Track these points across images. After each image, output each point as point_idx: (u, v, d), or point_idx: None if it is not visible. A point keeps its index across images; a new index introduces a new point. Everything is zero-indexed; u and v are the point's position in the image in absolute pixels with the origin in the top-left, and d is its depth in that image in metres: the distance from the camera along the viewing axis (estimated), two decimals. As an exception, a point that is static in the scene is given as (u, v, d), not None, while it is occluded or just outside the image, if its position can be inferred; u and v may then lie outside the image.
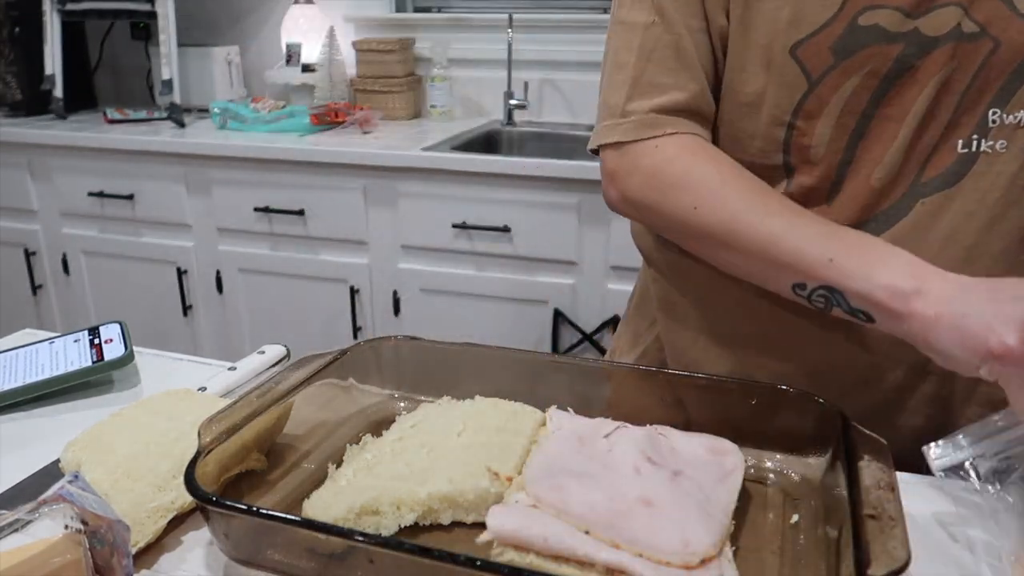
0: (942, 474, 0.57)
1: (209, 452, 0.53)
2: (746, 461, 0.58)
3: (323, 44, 2.30)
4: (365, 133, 2.06)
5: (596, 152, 0.73)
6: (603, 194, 0.73)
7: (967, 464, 0.56)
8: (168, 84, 2.23)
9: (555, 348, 1.85)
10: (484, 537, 0.50)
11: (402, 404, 0.71)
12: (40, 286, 2.35)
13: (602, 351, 1.81)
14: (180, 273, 2.15)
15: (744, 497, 0.56)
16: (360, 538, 0.46)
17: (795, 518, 0.56)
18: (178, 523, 0.56)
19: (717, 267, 0.69)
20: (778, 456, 0.61)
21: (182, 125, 2.20)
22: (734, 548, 0.51)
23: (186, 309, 2.19)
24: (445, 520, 0.55)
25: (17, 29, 2.33)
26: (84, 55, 2.63)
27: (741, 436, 0.60)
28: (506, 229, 1.78)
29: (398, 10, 2.41)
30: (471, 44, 2.29)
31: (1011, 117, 0.63)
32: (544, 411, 0.64)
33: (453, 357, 0.72)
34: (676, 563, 0.47)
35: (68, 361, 0.78)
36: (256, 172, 1.99)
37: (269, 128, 2.10)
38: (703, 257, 0.70)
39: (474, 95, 2.34)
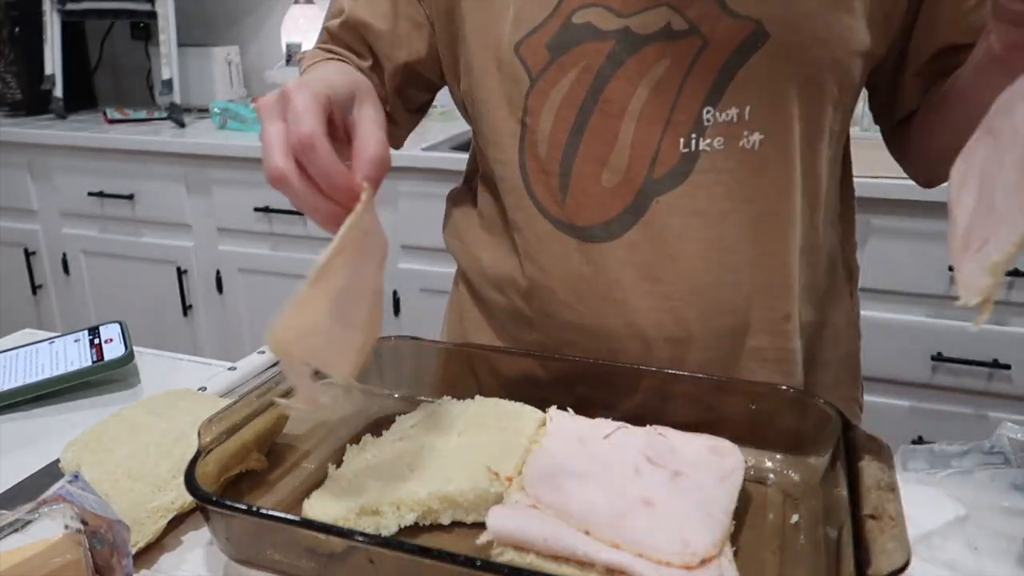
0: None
1: (209, 452, 0.53)
2: (746, 461, 0.58)
3: (323, 44, 2.30)
4: (365, 133, 2.06)
5: None
6: None
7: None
8: (168, 84, 2.23)
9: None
10: (484, 537, 0.50)
11: (402, 404, 0.71)
12: (40, 286, 2.35)
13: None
14: (180, 273, 2.15)
15: (744, 497, 0.56)
16: (360, 538, 0.46)
17: (795, 518, 0.56)
18: (178, 523, 0.56)
19: None
20: (778, 456, 0.61)
21: (182, 125, 2.20)
22: (734, 548, 0.51)
23: (186, 309, 2.19)
24: (445, 520, 0.55)
25: (17, 29, 2.33)
26: (84, 55, 2.63)
27: (741, 436, 0.60)
28: (506, 229, 1.78)
29: (398, 10, 2.41)
30: (471, 44, 2.29)
31: (723, 115, 0.64)
32: (544, 411, 0.64)
33: (453, 357, 0.72)
34: (676, 563, 0.47)
35: (68, 361, 0.78)
36: (256, 172, 1.99)
37: (269, 128, 2.10)
38: None
39: (474, 95, 2.33)
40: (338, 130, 0.57)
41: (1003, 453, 0.59)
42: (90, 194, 2.16)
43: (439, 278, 1.90)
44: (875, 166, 1.26)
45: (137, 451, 0.60)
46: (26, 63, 2.35)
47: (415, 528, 0.55)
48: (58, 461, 0.62)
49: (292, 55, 2.34)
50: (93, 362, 0.78)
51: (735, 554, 0.50)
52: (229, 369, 0.79)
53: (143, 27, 2.54)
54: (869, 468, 0.51)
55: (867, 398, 0.85)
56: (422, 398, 0.71)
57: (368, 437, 0.64)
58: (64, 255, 2.28)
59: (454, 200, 0.87)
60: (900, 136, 0.76)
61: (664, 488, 0.54)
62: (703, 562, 0.47)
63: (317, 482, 0.58)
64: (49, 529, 0.43)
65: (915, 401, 1.62)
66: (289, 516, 0.49)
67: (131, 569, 0.45)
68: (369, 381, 0.71)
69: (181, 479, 0.53)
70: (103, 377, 0.79)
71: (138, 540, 0.52)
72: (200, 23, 2.52)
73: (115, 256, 2.22)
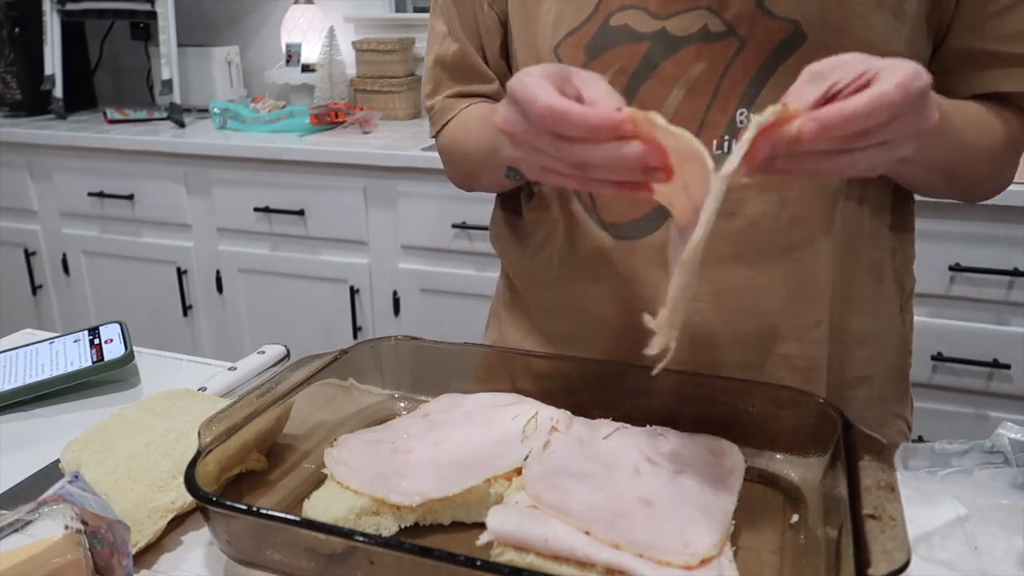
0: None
1: (209, 452, 0.53)
2: (746, 461, 0.58)
3: (323, 44, 2.30)
4: (365, 133, 2.06)
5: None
6: None
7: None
8: (168, 84, 2.23)
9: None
10: (484, 538, 0.50)
11: (402, 404, 0.71)
12: (40, 286, 2.35)
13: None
14: (180, 273, 2.15)
15: (744, 497, 0.56)
16: (360, 538, 0.46)
17: (795, 518, 0.56)
18: (178, 523, 0.56)
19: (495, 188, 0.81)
20: (778, 456, 0.61)
21: (182, 125, 2.20)
22: (734, 548, 0.51)
23: (186, 309, 2.19)
24: (445, 520, 0.55)
25: (17, 29, 2.33)
26: (84, 55, 2.63)
27: (741, 436, 0.60)
28: (506, 229, 1.78)
29: (398, 10, 2.41)
30: (471, 44, 2.29)
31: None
32: (547, 411, 0.64)
33: (453, 357, 0.72)
34: (676, 563, 0.47)
35: (68, 361, 0.78)
36: (256, 172, 1.99)
37: (269, 128, 2.10)
38: (488, 183, 0.80)
39: (474, 95, 2.33)
40: None
41: (1003, 452, 0.59)
42: (90, 194, 2.16)
43: (439, 278, 1.90)
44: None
45: (137, 451, 0.60)
46: (26, 63, 2.35)
47: (415, 528, 0.55)
48: (58, 461, 0.62)
49: (292, 55, 2.34)
50: (93, 362, 0.78)
51: (735, 554, 0.50)
52: (229, 369, 0.79)
53: (143, 27, 2.54)
54: (869, 468, 0.51)
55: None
56: (422, 398, 0.71)
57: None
58: (64, 255, 2.28)
59: (501, 201, 0.86)
60: None
61: (664, 488, 0.54)
62: (703, 562, 0.47)
63: (317, 482, 0.58)
64: (49, 529, 0.43)
65: (915, 400, 1.62)
66: (289, 516, 0.49)
67: (131, 569, 0.45)
68: (369, 381, 0.71)
69: (181, 479, 0.53)
70: (103, 377, 0.78)
71: (138, 540, 0.52)
72: (200, 23, 2.52)
73: (115, 256, 2.22)
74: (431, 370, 0.72)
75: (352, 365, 0.69)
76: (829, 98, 0.48)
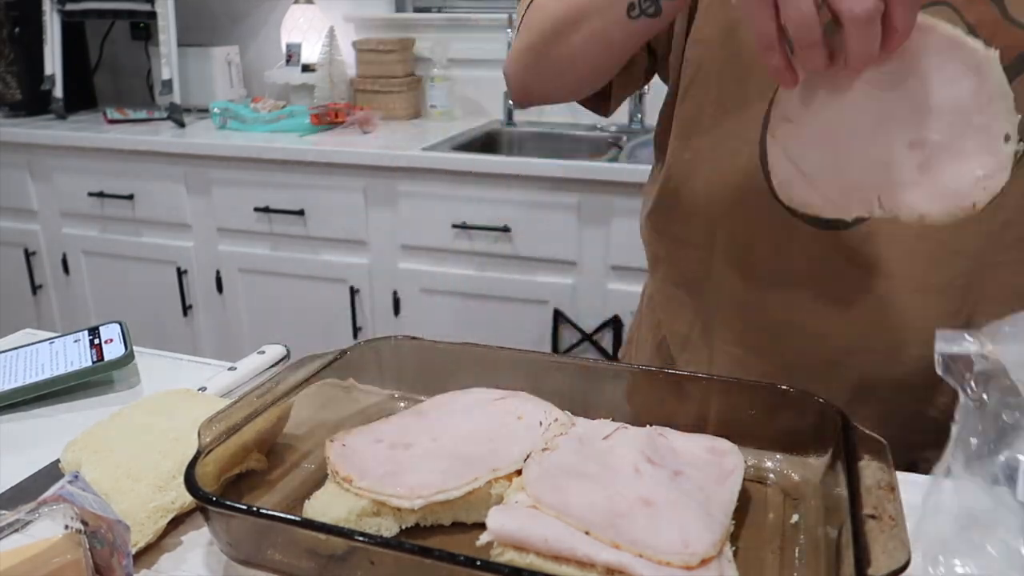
0: (941, 363, 0.54)
1: (209, 452, 0.53)
2: (746, 461, 0.58)
3: (323, 44, 2.30)
4: (365, 133, 2.06)
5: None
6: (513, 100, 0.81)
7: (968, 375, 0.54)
8: (168, 84, 2.23)
9: (555, 348, 1.85)
10: (484, 538, 0.50)
11: (402, 404, 0.71)
12: (40, 286, 2.35)
13: (602, 351, 1.81)
14: (180, 273, 2.15)
15: (744, 497, 0.56)
16: (361, 539, 0.46)
17: (795, 518, 0.56)
18: (178, 523, 0.56)
19: (589, 62, 0.71)
20: (778, 456, 0.61)
21: (182, 125, 2.20)
22: (734, 548, 0.51)
23: (186, 309, 2.19)
24: (446, 521, 0.55)
25: (17, 29, 2.33)
26: (84, 55, 2.63)
27: (741, 436, 0.60)
28: (506, 229, 1.78)
29: (398, 10, 2.41)
30: (471, 44, 2.29)
31: None
32: (547, 410, 0.64)
33: (453, 357, 0.72)
34: (676, 563, 0.47)
35: (68, 361, 0.78)
36: (256, 172, 1.99)
37: (269, 128, 2.10)
38: (592, 50, 0.70)
39: (474, 95, 2.34)
40: None
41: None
42: (90, 194, 2.16)
43: (439, 278, 1.90)
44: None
45: (137, 451, 0.60)
46: (26, 63, 2.35)
47: (416, 528, 0.55)
48: (58, 461, 0.62)
49: (292, 55, 2.34)
50: (93, 362, 0.78)
51: (735, 554, 0.50)
52: (229, 369, 0.78)
53: (143, 27, 2.54)
54: (869, 468, 0.51)
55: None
56: (422, 398, 0.71)
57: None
58: (64, 255, 2.28)
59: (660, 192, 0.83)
60: None
61: (664, 488, 0.54)
62: (703, 562, 0.47)
63: (317, 482, 0.58)
64: (49, 529, 0.43)
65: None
66: (289, 516, 0.49)
67: (131, 569, 0.45)
68: (369, 381, 0.71)
69: (181, 479, 0.53)
70: (103, 377, 0.78)
71: (138, 540, 0.52)
72: (200, 23, 2.51)
73: (115, 256, 2.23)
74: (431, 370, 0.72)
75: (352, 365, 0.69)
76: None
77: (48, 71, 2.31)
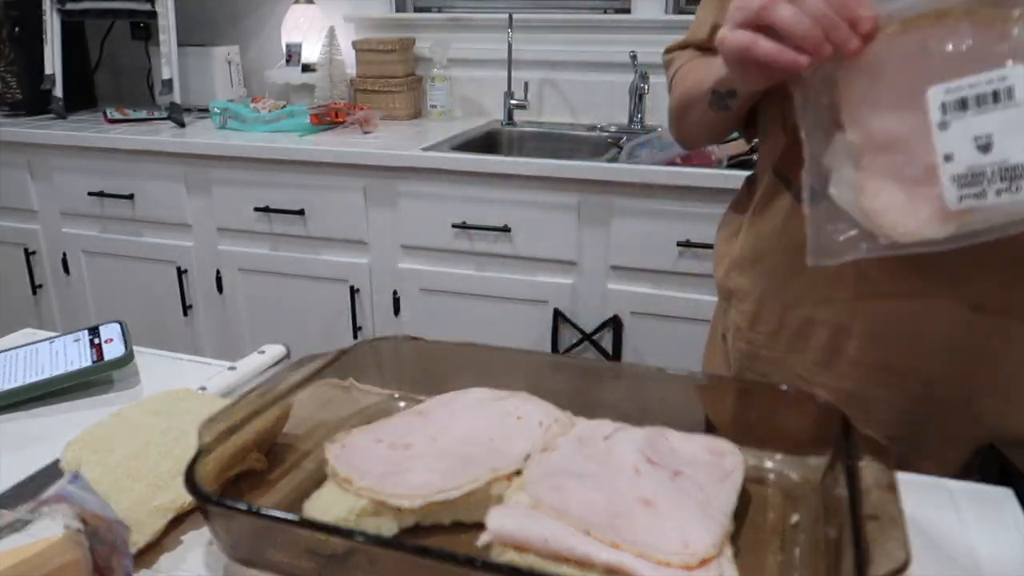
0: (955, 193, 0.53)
1: (209, 452, 0.53)
2: (746, 461, 0.58)
3: (323, 44, 2.30)
4: (365, 133, 2.06)
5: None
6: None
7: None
8: (168, 84, 2.23)
9: (555, 348, 1.85)
10: (484, 538, 0.50)
11: (402, 404, 0.71)
12: (40, 286, 2.35)
13: (602, 351, 1.81)
14: (180, 273, 2.15)
15: (744, 497, 0.56)
16: (361, 539, 0.46)
17: (795, 518, 0.56)
18: (178, 523, 0.56)
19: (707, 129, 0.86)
20: (778, 456, 0.61)
21: (182, 125, 2.20)
22: (734, 548, 0.51)
23: (186, 309, 2.19)
24: (446, 521, 0.55)
25: (17, 29, 2.32)
26: (84, 55, 2.62)
27: (741, 436, 0.60)
28: (506, 229, 1.78)
29: (398, 10, 2.41)
30: (471, 44, 2.29)
31: None
32: (548, 410, 0.64)
33: (453, 357, 0.72)
34: (676, 563, 0.47)
35: (68, 361, 0.78)
36: (256, 172, 1.99)
37: (269, 128, 2.10)
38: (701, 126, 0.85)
39: (474, 95, 2.34)
40: None
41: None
42: (90, 194, 2.16)
43: (439, 278, 1.90)
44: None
45: (137, 451, 0.60)
46: (26, 63, 2.35)
47: (416, 528, 0.55)
48: (58, 461, 0.62)
49: (292, 55, 2.34)
50: (93, 362, 0.78)
51: (735, 554, 0.50)
52: (229, 369, 0.79)
53: (143, 27, 2.54)
54: (869, 468, 0.51)
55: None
56: (422, 398, 0.71)
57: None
58: (64, 255, 2.28)
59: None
60: None
61: (664, 488, 0.54)
62: (703, 562, 0.47)
63: (317, 482, 0.58)
64: (49, 529, 0.43)
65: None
66: (289, 516, 0.49)
67: (131, 569, 0.45)
68: (369, 381, 0.71)
69: (181, 479, 0.53)
70: (103, 377, 0.79)
71: (138, 540, 0.52)
72: (200, 23, 2.51)
73: (115, 256, 2.22)
74: (431, 370, 0.72)
75: (352, 365, 0.69)
76: None
77: (48, 71, 2.31)
